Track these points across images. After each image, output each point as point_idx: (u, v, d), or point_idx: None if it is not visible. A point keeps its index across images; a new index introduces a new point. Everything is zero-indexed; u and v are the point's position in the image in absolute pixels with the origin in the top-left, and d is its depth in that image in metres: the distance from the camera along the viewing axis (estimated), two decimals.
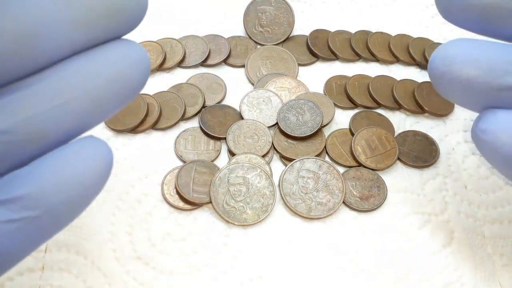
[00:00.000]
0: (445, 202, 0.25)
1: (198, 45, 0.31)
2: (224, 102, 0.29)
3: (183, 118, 0.28)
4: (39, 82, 0.14)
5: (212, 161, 0.26)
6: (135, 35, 0.33)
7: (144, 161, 0.26)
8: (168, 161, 0.26)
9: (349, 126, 0.28)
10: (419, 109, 0.29)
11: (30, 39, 0.13)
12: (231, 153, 0.26)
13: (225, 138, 0.27)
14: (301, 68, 0.31)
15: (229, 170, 0.25)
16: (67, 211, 0.15)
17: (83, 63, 0.15)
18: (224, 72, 0.30)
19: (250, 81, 0.30)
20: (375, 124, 0.28)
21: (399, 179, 0.26)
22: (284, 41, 0.32)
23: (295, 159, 0.26)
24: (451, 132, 0.28)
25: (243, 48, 0.32)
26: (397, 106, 0.29)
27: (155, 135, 0.27)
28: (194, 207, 0.25)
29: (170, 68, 0.30)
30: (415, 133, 0.28)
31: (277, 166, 0.26)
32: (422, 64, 0.31)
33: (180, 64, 0.30)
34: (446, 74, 0.18)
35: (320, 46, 0.31)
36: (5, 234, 0.14)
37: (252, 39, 0.32)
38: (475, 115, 0.29)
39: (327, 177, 0.25)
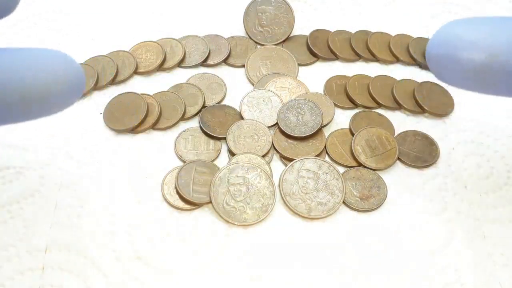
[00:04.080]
0: (445, 202, 0.25)
1: (198, 45, 0.31)
2: (224, 102, 0.29)
3: (183, 118, 0.28)
4: None
5: (212, 161, 0.26)
6: (136, 36, 0.33)
7: (144, 161, 0.26)
8: (168, 161, 0.26)
9: (349, 126, 0.28)
10: (419, 109, 0.29)
11: None
12: (231, 153, 0.26)
13: (225, 138, 0.27)
14: (301, 68, 0.31)
15: (229, 170, 0.25)
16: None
17: None
18: (224, 72, 0.30)
19: (250, 81, 0.30)
20: (375, 124, 0.28)
21: (399, 179, 0.26)
22: (284, 41, 0.32)
23: (295, 159, 0.26)
24: (451, 132, 0.28)
25: (243, 48, 0.32)
26: (397, 106, 0.29)
27: (155, 135, 0.27)
28: (194, 207, 0.25)
29: (170, 68, 0.30)
30: (415, 133, 0.28)
31: (277, 166, 0.26)
32: (422, 64, 0.31)
33: (180, 64, 0.30)
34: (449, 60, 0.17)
35: (320, 46, 0.31)
36: None
37: (252, 39, 0.32)
38: (475, 115, 0.29)
39: (327, 177, 0.25)
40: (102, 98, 0.28)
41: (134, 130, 0.27)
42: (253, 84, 0.30)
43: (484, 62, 0.16)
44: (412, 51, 0.31)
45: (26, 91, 0.15)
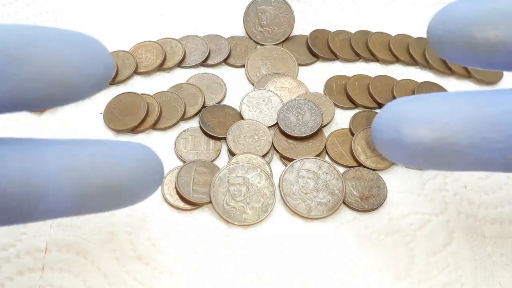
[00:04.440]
0: (445, 202, 0.25)
1: (198, 45, 0.31)
2: (224, 102, 0.29)
3: (183, 118, 0.28)
4: None
5: (212, 161, 0.26)
6: (136, 36, 0.33)
7: None
8: (168, 161, 0.26)
9: (349, 126, 0.28)
10: None
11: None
12: (231, 153, 0.26)
13: (225, 138, 0.27)
14: (301, 68, 0.31)
15: (229, 170, 0.25)
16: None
17: None
18: (224, 72, 0.30)
19: (250, 81, 0.30)
20: None
21: (399, 179, 0.26)
22: (284, 41, 0.32)
23: (295, 159, 0.26)
24: None
25: (243, 48, 0.32)
26: None
27: (155, 135, 0.27)
28: (194, 207, 0.25)
29: (170, 68, 0.30)
30: None
31: (277, 166, 0.26)
32: (422, 64, 0.31)
33: (180, 64, 0.30)
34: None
35: (320, 46, 0.31)
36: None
37: (252, 39, 0.32)
38: None
39: (327, 177, 0.25)
40: (102, 98, 0.28)
41: (134, 130, 0.27)
42: (253, 84, 0.30)
43: (432, 145, 0.16)
44: (412, 51, 0.31)
45: (109, 186, 0.15)
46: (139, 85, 0.30)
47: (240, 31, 0.32)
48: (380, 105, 0.29)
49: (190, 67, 0.30)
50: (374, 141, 0.17)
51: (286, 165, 0.26)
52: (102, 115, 0.28)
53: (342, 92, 0.30)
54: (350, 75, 0.30)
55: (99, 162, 0.15)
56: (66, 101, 0.15)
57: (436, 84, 0.30)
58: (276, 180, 0.26)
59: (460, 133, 0.16)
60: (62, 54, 0.15)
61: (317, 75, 0.30)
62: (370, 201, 0.25)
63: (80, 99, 0.16)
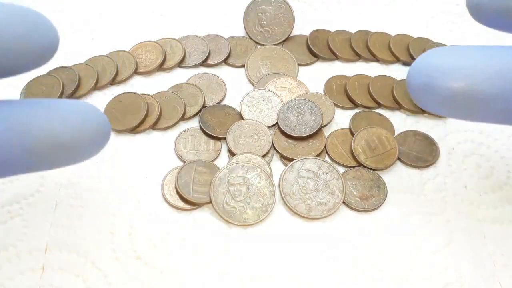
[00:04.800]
0: (445, 202, 0.25)
1: (198, 45, 0.31)
2: (224, 102, 0.29)
3: (183, 118, 0.28)
4: None
5: (212, 161, 0.26)
6: (136, 36, 0.33)
7: (144, 161, 0.26)
8: (168, 161, 0.26)
9: (349, 126, 0.28)
10: (419, 109, 0.29)
11: None
12: (231, 153, 0.26)
13: (225, 138, 0.27)
14: (301, 68, 0.31)
15: (229, 170, 0.25)
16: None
17: None
18: (224, 72, 0.30)
19: (250, 81, 0.30)
20: (375, 124, 0.28)
21: (399, 179, 0.26)
22: (284, 41, 0.32)
23: (295, 159, 0.26)
24: (451, 132, 0.28)
25: (243, 48, 0.32)
26: (397, 106, 0.29)
27: (155, 135, 0.27)
28: (194, 207, 0.25)
29: (170, 68, 0.30)
30: (415, 133, 0.28)
31: (277, 166, 0.26)
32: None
33: (180, 64, 0.30)
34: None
35: (320, 46, 0.31)
36: None
37: (252, 39, 0.32)
38: None
39: (327, 177, 0.25)
40: (102, 98, 0.28)
41: (134, 130, 0.27)
42: (253, 84, 0.30)
43: (461, 91, 0.17)
44: (412, 51, 0.31)
45: (57, 140, 0.16)
46: (139, 85, 0.30)
47: (240, 31, 0.32)
48: (380, 105, 0.29)
49: (190, 67, 0.30)
50: (408, 87, 0.18)
51: (286, 165, 0.26)
52: None
53: (342, 92, 0.30)
54: (350, 75, 0.30)
55: (44, 119, 0.16)
56: (13, 71, 0.16)
57: None
58: (276, 180, 0.26)
59: (489, 81, 0.16)
60: (6, 26, 0.15)
61: (317, 75, 0.30)
62: (370, 201, 0.25)
63: (27, 69, 0.16)
